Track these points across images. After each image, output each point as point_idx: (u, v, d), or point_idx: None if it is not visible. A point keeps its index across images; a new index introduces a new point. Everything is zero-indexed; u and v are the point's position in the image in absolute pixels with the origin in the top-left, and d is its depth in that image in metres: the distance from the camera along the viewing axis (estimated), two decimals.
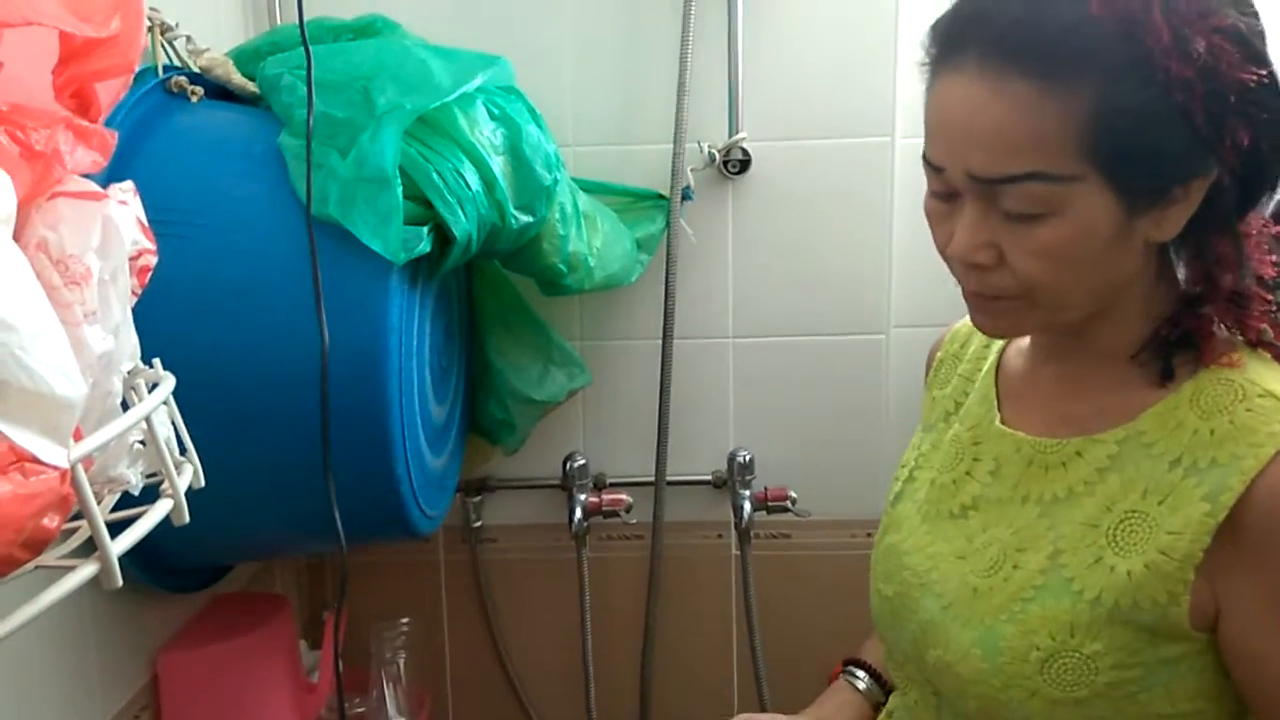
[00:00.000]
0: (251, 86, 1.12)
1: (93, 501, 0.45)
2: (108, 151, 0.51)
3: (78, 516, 0.47)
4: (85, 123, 0.50)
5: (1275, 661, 0.69)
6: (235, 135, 1.07)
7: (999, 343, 0.88)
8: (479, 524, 1.55)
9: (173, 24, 1.07)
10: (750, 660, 1.54)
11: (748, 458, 1.50)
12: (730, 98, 1.43)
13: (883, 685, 0.97)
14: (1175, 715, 0.72)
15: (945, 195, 0.73)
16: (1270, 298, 0.73)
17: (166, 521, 0.54)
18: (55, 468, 0.43)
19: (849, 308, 1.48)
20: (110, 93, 0.56)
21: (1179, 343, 0.73)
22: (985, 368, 0.88)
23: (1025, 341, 0.86)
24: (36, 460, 0.42)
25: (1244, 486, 0.67)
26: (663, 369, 1.46)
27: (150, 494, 0.57)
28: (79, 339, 0.48)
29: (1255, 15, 0.68)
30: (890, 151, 1.43)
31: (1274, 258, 0.74)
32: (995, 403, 0.84)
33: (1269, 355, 0.74)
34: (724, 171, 1.45)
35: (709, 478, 1.53)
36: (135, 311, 0.56)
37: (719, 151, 1.44)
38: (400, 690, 1.33)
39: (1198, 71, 0.64)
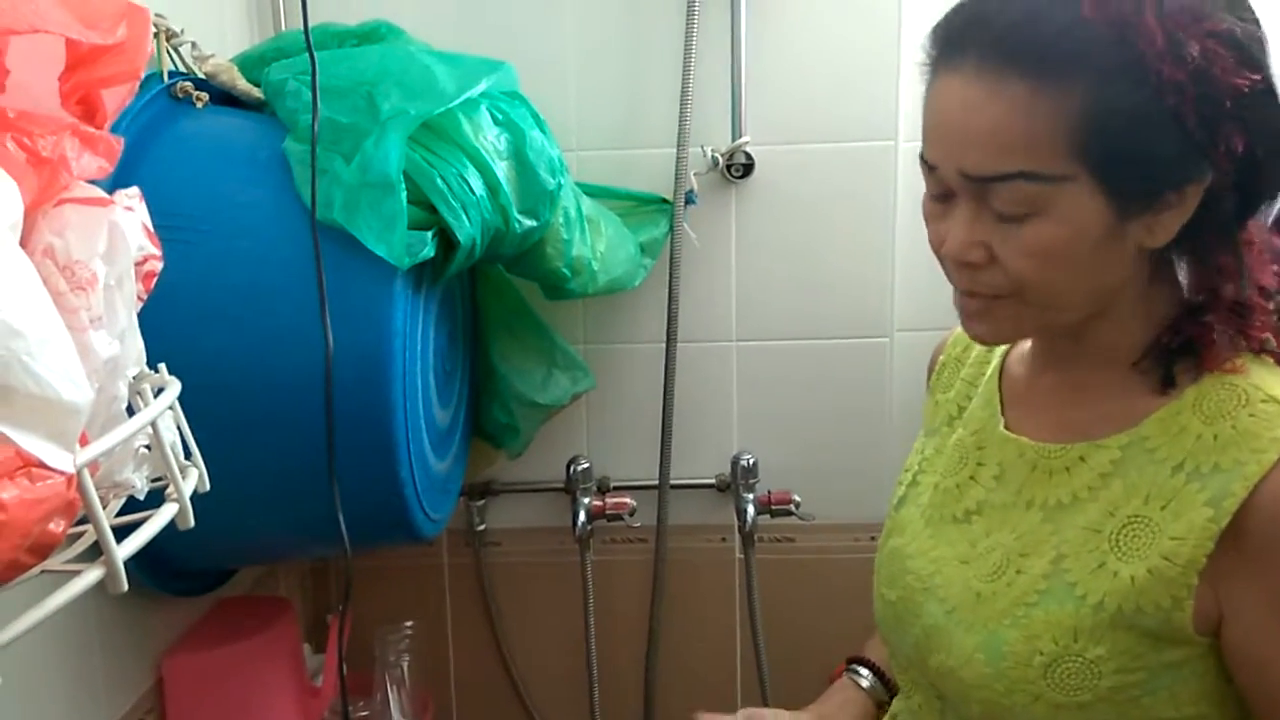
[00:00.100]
0: (256, 92, 1.12)
1: (98, 506, 0.46)
2: (114, 158, 0.52)
3: (83, 521, 0.47)
4: (91, 129, 0.51)
5: (1278, 667, 0.68)
6: (240, 141, 1.07)
7: (1001, 347, 0.88)
8: (483, 527, 1.55)
9: (178, 30, 1.08)
10: (754, 664, 1.54)
11: (751, 461, 1.50)
12: (733, 102, 1.43)
13: (886, 684, 0.96)
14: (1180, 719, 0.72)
15: (940, 195, 0.74)
16: (1271, 307, 0.72)
17: (171, 525, 0.54)
18: (61, 472, 0.43)
19: (852, 311, 1.48)
20: (116, 99, 0.56)
21: (1180, 350, 0.73)
22: (989, 372, 0.88)
23: (1026, 346, 0.86)
24: (43, 465, 0.42)
25: (1247, 492, 0.67)
26: (666, 373, 1.46)
27: (155, 498, 0.57)
28: (85, 344, 0.48)
29: (1254, 21, 0.68)
30: (893, 155, 1.44)
31: (1276, 267, 0.74)
32: (999, 407, 0.84)
33: (1272, 360, 0.74)
34: (727, 176, 1.45)
35: (712, 481, 1.53)
36: (141, 316, 0.56)
37: (722, 156, 1.44)
38: (404, 694, 1.33)
39: (1190, 75, 0.64)
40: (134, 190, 0.56)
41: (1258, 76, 0.65)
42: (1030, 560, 0.76)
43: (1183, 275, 0.75)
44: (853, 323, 1.49)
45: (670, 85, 1.41)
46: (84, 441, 0.46)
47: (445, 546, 1.58)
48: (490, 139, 1.07)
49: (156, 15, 1.04)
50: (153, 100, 1.02)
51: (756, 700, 1.53)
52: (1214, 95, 0.65)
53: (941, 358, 0.96)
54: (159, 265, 0.58)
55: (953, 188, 0.72)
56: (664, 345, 1.45)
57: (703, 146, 1.43)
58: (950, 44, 0.70)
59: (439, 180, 1.00)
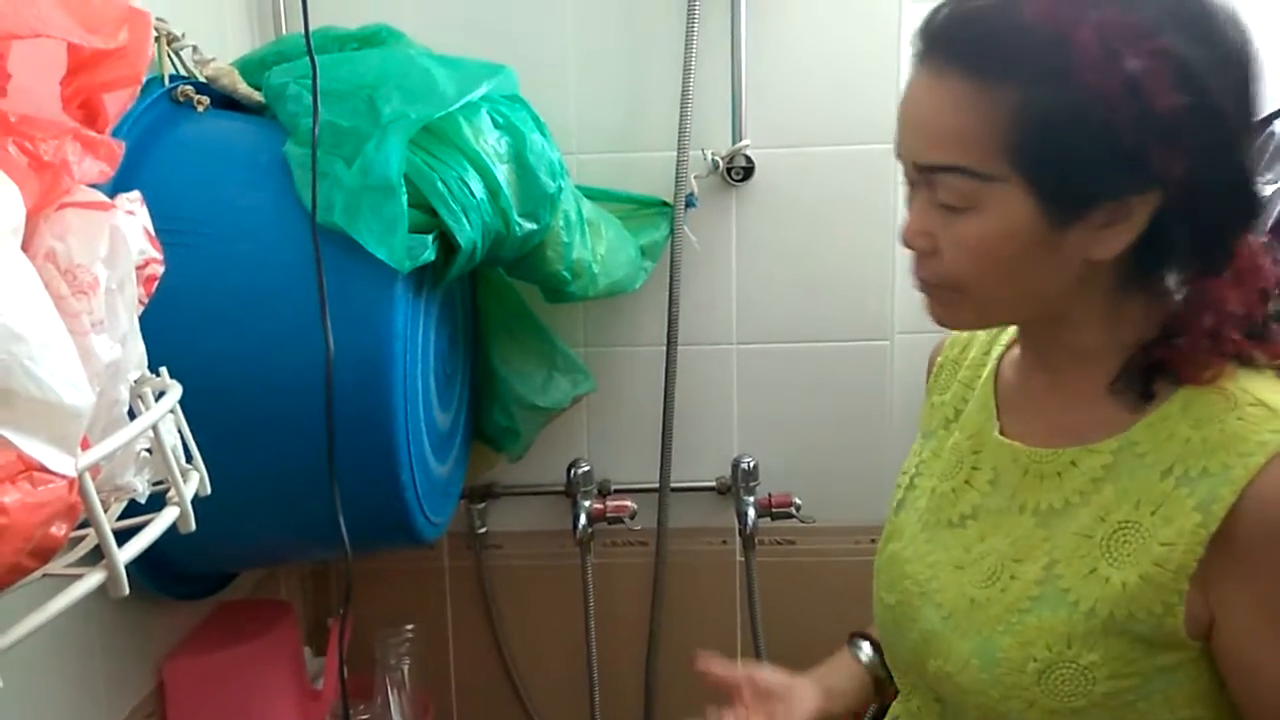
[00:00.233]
0: (257, 96, 1.12)
1: (100, 510, 0.46)
2: (115, 162, 0.52)
3: (85, 524, 0.47)
4: (93, 133, 0.51)
5: (1269, 670, 0.68)
6: (241, 144, 1.07)
7: (997, 349, 0.88)
8: (483, 530, 1.55)
9: (179, 34, 1.08)
10: None
11: (752, 464, 1.50)
12: (734, 105, 1.43)
13: (885, 661, 0.97)
14: None
15: (910, 185, 0.77)
16: (1236, 338, 0.71)
17: (173, 529, 0.55)
18: (63, 476, 0.43)
19: (853, 314, 1.49)
20: (118, 103, 0.56)
21: (1153, 368, 0.73)
22: (984, 375, 0.88)
23: (1018, 350, 0.86)
24: (44, 469, 0.42)
25: (1235, 496, 0.67)
26: (667, 375, 1.46)
27: (156, 502, 0.57)
28: (86, 348, 0.48)
29: (1213, 46, 0.67)
30: (893, 158, 1.43)
31: (1259, 289, 0.73)
32: (994, 411, 0.84)
33: (1266, 363, 0.73)
34: (728, 179, 1.45)
35: (713, 484, 1.53)
36: (142, 320, 0.56)
37: (723, 159, 1.44)
38: (405, 696, 1.33)
39: (1122, 88, 0.64)
40: (135, 194, 0.56)
41: (1189, 99, 0.65)
42: (1024, 566, 0.76)
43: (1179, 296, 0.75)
44: (853, 325, 1.49)
45: (670, 88, 1.41)
46: (85, 445, 0.46)
47: (446, 549, 1.58)
48: (491, 142, 1.07)
49: (158, 19, 1.04)
50: (154, 104, 1.02)
51: None
52: (1144, 111, 0.65)
53: (939, 360, 0.96)
54: (160, 269, 0.58)
55: (910, 178, 0.76)
56: (664, 348, 1.45)
57: (703, 149, 1.43)
58: (918, 42, 0.73)
59: (440, 183, 1.00)
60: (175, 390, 0.60)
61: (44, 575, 0.47)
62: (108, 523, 0.47)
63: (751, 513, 1.48)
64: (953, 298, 0.76)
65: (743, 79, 1.42)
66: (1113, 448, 0.74)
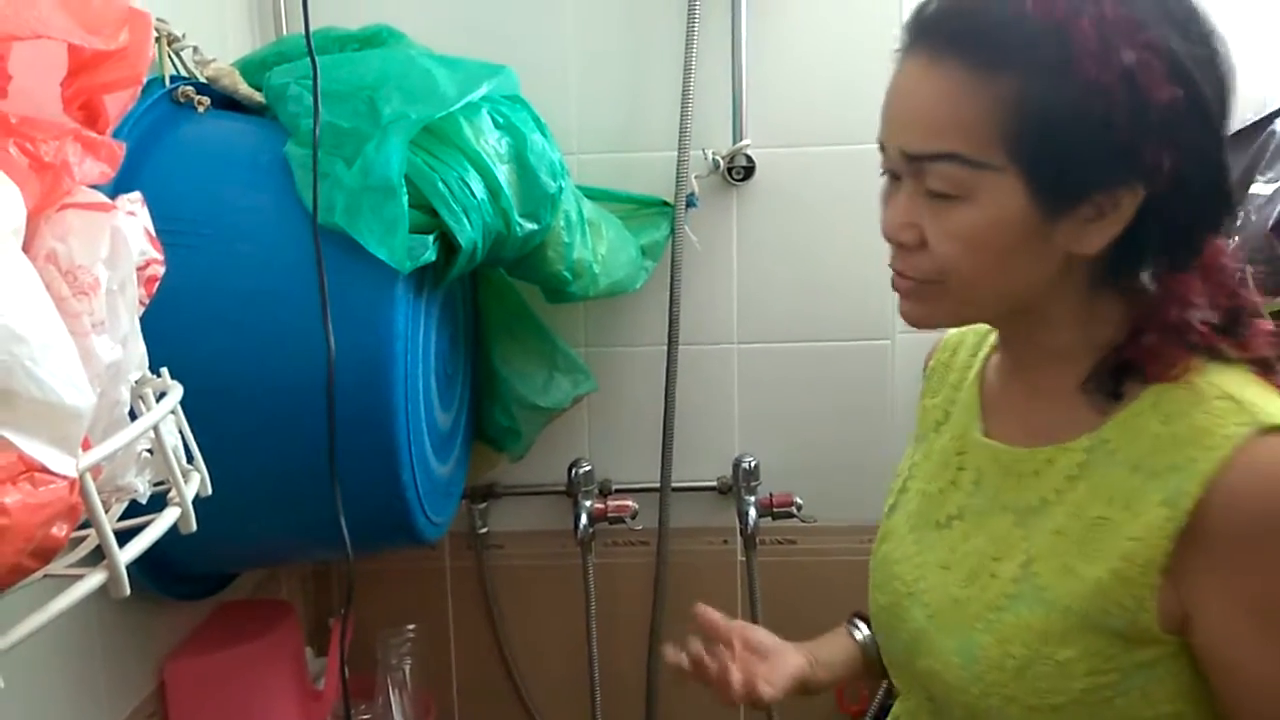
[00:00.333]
0: (258, 96, 1.13)
1: (101, 510, 0.46)
2: (116, 163, 0.52)
3: (86, 525, 0.47)
4: (94, 134, 0.51)
5: (1247, 670, 0.68)
6: (242, 145, 1.07)
7: (983, 352, 0.89)
8: (485, 530, 1.55)
9: (180, 34, 1.08)
10: None
11: (753, 463, 1.50)
12: (734, 105, 1.43)
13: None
14: (1155, 718, 0.72)
15: (891, 176, 0.76)
16: (1203, 330, 0.72)
17: (174, 529, 0.55)
18: (64, 477, 0.43)
19: (854, 313, 1.49)
20: (118, 104, 0.56)
21: (1122, 368, 0.73)
22: (970, 377, 0.88)
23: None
24: (45, 470, 0.42)
25: (1201, 490, 0.67)
26: (668, 375, 1.46)
27: (157, 502, 0.57)
28: (87, 349, 0.48)
29: (1203, 43, 0.68)
30: None
31: (1229, 290, 0.73)
32: (978, 413, 0.85)
33: (1235, 355, 0.73)
34: (728, 178, 1.45)
35: (714, 484, 1.54)
36: (143, 321, 0.57)
37: (723, 158, 1.44)
38: (406, 697, 1.34)
39: (1119, 79, 0.65)
40: (136, 195, 0.57)
41: (1182, 92, 0.66)
42: (1003, 564, 0.76)
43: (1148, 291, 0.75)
44: (854, 325, 1.49)
45: (671, 88, 1.41)
46: (86, 446, 0.46)
47: (447, 549, 1.58)
48: (491, 143, 1.07)
49: (158, 20, 1.04)
50: (154, 105, 1.02)
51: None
52: (1140, 104, 0.66)
53: (932, 362, 0.97)
54: (161, 270, 0.58)
55: (895, 168, 0.75)
56: (665, 348, 1.45)
57: (704, 149, 1.43)
58: (910, 33, 0.73)
59: (440, 184, 1.00)
60: (176, 391, 0.60)
61: (45, 576, 0.47)
62: (109, 523, 0.47)
63: (752, 512, 1.48)
64: (933, 292, 0.75)
65: (743, 79, 1.42)
66: (1086, 445, 0.74)
